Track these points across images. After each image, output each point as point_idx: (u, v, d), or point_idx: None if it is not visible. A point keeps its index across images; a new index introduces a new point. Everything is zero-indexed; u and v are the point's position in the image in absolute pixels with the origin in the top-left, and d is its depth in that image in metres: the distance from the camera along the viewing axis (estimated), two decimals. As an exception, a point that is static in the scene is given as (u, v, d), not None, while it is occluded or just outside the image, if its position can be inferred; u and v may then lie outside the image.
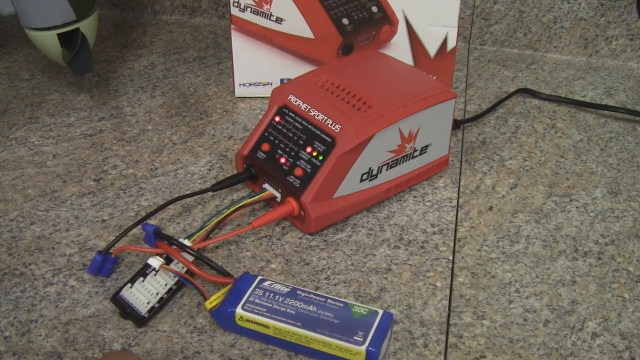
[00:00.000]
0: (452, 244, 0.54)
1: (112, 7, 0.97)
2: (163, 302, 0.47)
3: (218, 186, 0.56)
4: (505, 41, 0.87)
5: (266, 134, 0.57)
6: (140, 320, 0.46)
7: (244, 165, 0.58)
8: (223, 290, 0.46)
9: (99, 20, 0.70)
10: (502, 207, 0.58)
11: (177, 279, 0.48)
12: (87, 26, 0.67)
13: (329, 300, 0.45)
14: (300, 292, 0.45)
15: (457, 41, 0.70)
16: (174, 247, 0.48)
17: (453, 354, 0.45)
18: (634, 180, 0.62)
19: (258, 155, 0.56)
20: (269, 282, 0.46)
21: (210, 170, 0.62)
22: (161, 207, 0.54)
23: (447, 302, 0.49)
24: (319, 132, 0.54)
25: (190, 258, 0.48)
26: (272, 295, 0.45)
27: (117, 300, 0.47)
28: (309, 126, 0.54)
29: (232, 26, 0.70)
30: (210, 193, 0.58)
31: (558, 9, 0.83)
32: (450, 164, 0.63)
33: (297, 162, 0.54)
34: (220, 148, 0.65)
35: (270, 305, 0.44)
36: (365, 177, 0.55)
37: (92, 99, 0.74)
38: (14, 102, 0.73)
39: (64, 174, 0.61)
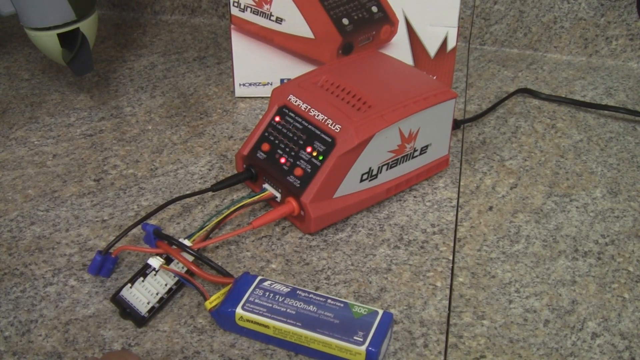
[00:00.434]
0: (452, 244, 0.54)
1: (112, 7, 0.97)
2: (163, 302, 0.47)
3: (218, 186, 0.56)
4: (505, 41, 0.87)
5: (266, 134, 0.57)
6: (140, 320, 0.46)
7: (244, 165, 0.58)
8: (223, 290, 0.46)
9: (99, 20, 0.70)
10: (502, 207, 0.58)
11: (177, 279, 0.48)
12: (87, 26, 0.67)
13: (329, 300, 0.45)
14: (300, 292, 0.45)
15: (457, 41, 0.70)
16: (174, 247, 0.48)
17: (453, 354, 0.45)
18: (634, 180, 0.62)
19: (258, 155, 0.56)
20: (269, 282, 0.46)
21: (210, 170, 0.62)
22: (161, 207, 0.54)
23: (447, 302, 0.49)
24: (319, 132, 0.54)
25: (190, 258, 0.48)
26: (272, 295, 0.45)
27: (117, 300, 0.47)
28: (309, 126, 0.54)
29: (232, 26, 0.70)
30: (210, 193, 0.58)
31: (558, 9, 0.83)
32: (450, 164, 0.63)
33: (297, 162, 0.54)
34: (220, 148, 0.65)
35: (270, 305, 0.44)
36: (365, 177, 0.55)
37: (92, 99, 0.74)
38: (14, 102, 0.73)
39: (64, 174, 0.61)
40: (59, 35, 0.66)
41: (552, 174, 0.63)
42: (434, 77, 0.72)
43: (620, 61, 0.84)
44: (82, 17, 0.66)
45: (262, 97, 0.74)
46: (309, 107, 0.55)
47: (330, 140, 0.53)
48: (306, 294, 0.45)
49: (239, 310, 0.44)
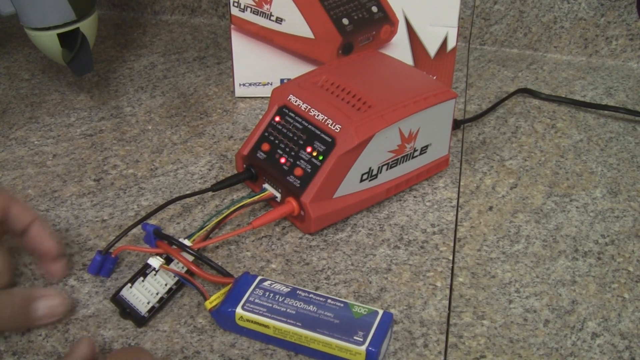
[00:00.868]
0: (452, 244, 0.54)
1: (112, 7, 0.97)
2: (163, 302, 0.47)
3: (218, 186, 0.56)
4: (505, 41, 0.87)
5: (266, 134, 0.57)
6: (140, 320, 0.46)
7: (244, 165, 0.58)
8: (223, 290, 0.46)
9: (99, 20, 0.70)
10: (502, 207, 0.58)
11: (177, 278, 0.48)
12: (87, 26, 0.67)
13: (329, 300, 0.45)
14: (300, 292, 0.45)
15: (457, 41, 0.70)
16: (174, 247, 0.48)
17: (453, 354, 0.45)
18: (634, 180, 0.62)
19: (258, 155, 0.56)
20: (269, 282, 0.46)
21: (210, 170, 0.62)
22: (161, 207, 0.54)
23: (447, 302, 0.49)
24: (319, 132, 0.54)
25: (190, 258, 0.48)
26: (272, 295, 0.45)
27: (117, 300, 0.47)
28: (309, 126, 0.54)
29: (232, 26, 0.70)
30: (210, 193, 0.58)
31: (558, 9, 0.83)
32: (450, 164, 0.63)
33: (297, 162, 0.54)
34: (220, 148, 0.65)
35: (270, 305, 0.44)
36: (365, 177, 0.55)
37: (92, 99, 0.74)
38: (14, 102, 0.73)
39: (64, 174, 0.61)
40: (59, 35, 0.66)
41: (552, 174, 0.63)
42: (434, 77, 0.72)
43: (620, 61, 0.84)
44: (82, 17, 0.66)
45: (262, 97, 0.74)
46: (309, 107, 0.55)
47: (330, 140, 0.53)
48: (306, 294, 0.45)
49: (239, 310, 0.44)
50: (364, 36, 0.71)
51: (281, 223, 0.56)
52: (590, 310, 0.48)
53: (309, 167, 0.53)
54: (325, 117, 0.54)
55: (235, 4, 0.69)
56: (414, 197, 0.59)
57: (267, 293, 0.45)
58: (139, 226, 0.51)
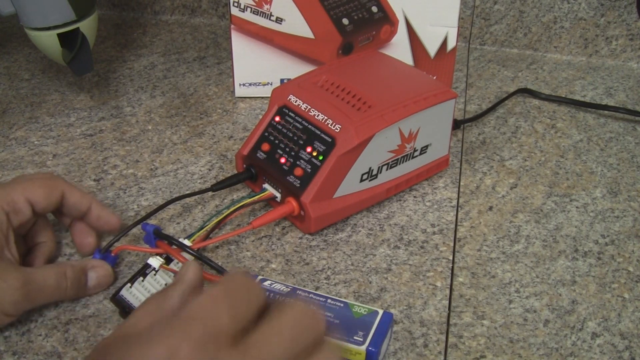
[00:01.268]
0: (452, 244, 0.54)
1: (112, 7, 0.97)
2: (163, 302, 0.47)
3: (218, 186, 0.56)
4: (505, 41, 0.87)
5: (266, 134, 0.57)
6: (140, 320, 0.46)
7: (244, 165, 0.58)
8: (223, 290, 0.46)
9: (99, 20, 0.70)
10: (502, 207, 0.58)
11: (177, 278, 0.48)
12: (87, 26, 0.67)
13: (329, 300, 0.45)
14: (300, 292, 0.45)
15: (457, 41, 0.70)
16: (174, 247, 0.48)
17: (453, 354, 0.45)
18: (634, 180, 0.62)
19: (258, 155, 0.56)
20: (269, 281, 0.46)
21: (210, 170, 0.62)
22: (161, 207, 0.54)
23: (447, 302, 0.49)
24: (319, 132, 0.54)
25: (190, 258, 0.48)
26: (272, 295, 0.45)
27: (117, 300, 0.47)
28: (309, 126, 0.54)
29: (232, 26, 0.70)
30: (210, 193, 0.58)
31: (558, 9, 0.83)
32: (450, 164, 0.63)
33: (297, 162, 0.54)
34: (220, 148, 0.65)
35: (270, 305, 0.44)
36: (365, 177, 0.55)
37: (92, 99, 0.74)
38: (14, 102, 0.73)
39: (64, 174, 0.61)
40: (59, 35, 0.66)
41: (552, 174, 0.63)
42: (434, 77, 0.72)
43: (620, 61, 0.84)
44: (82, 17, 0.66)
45: (262, 97, 0.74)
46: (309, 107, 0.55)
47: (330, 140, 0.53)
48: (306, 294, 0.45)
49: (239, 310, 0.44)
50: (364, 36, 0.71)
51: (281, 223, 0.56)
52: (590, 310, 0.48)
53: (309, 167, 0.53)
54: (325, 117, 0.54)
55: (235, 4, 0.69)
56: (414, 197, 0.59)
57: (267, 293, 0.45)
58: (139, 226, 0.51)
